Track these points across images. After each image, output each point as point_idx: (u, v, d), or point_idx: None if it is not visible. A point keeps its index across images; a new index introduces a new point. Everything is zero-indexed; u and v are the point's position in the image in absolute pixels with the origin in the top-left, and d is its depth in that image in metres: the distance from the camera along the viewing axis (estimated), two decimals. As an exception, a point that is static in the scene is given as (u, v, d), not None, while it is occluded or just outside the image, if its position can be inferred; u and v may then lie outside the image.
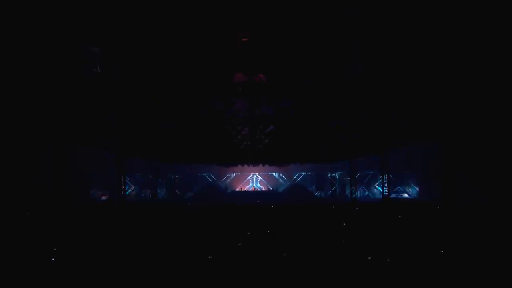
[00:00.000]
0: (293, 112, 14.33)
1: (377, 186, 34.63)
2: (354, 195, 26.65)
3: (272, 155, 24.95)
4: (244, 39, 8.65)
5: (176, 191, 36.25)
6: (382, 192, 23.18)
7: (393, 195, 29.34)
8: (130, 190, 33.99)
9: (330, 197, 35.67)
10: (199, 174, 38.06)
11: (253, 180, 39.06)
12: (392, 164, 23.93)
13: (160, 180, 34.09)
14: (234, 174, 38.65)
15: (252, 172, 38.66)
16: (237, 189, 37.23)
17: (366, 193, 35.42)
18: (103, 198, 29.42)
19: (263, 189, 38.18)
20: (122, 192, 23.43)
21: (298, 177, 38.69)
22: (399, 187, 32.86)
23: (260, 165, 31.71)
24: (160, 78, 10.73)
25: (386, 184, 22.83)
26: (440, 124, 15.29)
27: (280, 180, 39.11)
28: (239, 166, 32.15)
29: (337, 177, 36.93)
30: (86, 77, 10.14)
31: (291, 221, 12.02)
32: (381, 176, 24.36)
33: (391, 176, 24.57)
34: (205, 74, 10.55)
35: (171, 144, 20.61)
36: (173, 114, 14.56)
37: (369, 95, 11.92)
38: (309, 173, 38.25)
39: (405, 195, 32.42)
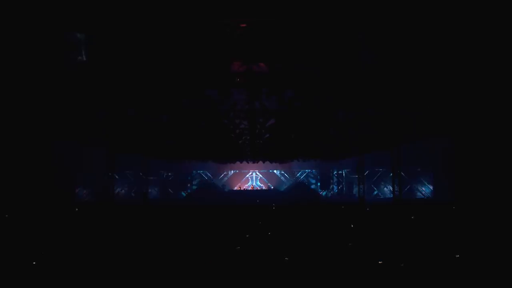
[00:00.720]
0: (297, 104, 14.27)
1: (387, 185, 34.64)
2: (362, 194, 26.66)
3: (273, 151, 24.91)
4: (243, 25, 8.57)
5: (169, 190, 36.28)
6: (393, 191, 23.13)
7: (405, 195, 29.39)
8: (119, 189, 34.00)
9: (336, 196, 35.73)
10: (194, 171, 38.09)
11: (253, 178, 39.09)
12: (404, 161, 23.89)
13: (151, 178, 34.10)
14: (232, 171, 38.67)
15: (251, 170, 38.67)
16: (235, 188, 37.27)
17: (375, 192, 35.46)
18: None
19: (264, 187, 38.22)
20: (110, 192, 23.37)
21: (301, 175, 38.73)
22: (412, 186, 32.85)
23: (260, 162, 31.68)
24: (151, 67, 10.65)
25: (397, 183, 22.79)
26: (457, 116, 15.25)
27: (282, 178, 39.13)
28: (237, 163, 32.13)
29: (343, 174, 36.98)
30: (69, 65, 10.06)
31: (294, 222, 12.01)
32: (391, 174, 24.31)
33: (402, 174, 24.57)
34: (200, 62, 10.47)
35: (163, 139, 20.56)
36: (166, 106, 14.50)
37: (380, 85, 11.85)
38: (313, 170, 38.29)
39: (418, 194, 32.44)
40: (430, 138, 21.26)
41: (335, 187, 37.19)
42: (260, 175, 39.15)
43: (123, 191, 34.91)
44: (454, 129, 18.00)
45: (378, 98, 13.27)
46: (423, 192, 32.14)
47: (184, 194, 35.94)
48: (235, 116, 16.34)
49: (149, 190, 33.00)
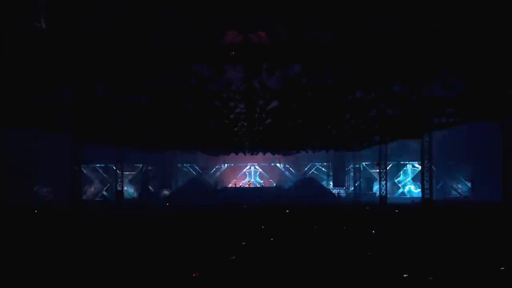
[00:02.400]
0: (305, 82, 14.16)
1: (414, 182, 34.71)
2: (384, 193, 26.67)
3: (276, 140, 24.84)
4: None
5: (149, 187, 36.34)
6: (422, 190, 23.13)
7: (437, 194, 29.31)
8: (87, 186, 34.05)
9: (352, 195, 35.82)
10: (180, 165, 38.12)
11: (251, 173, 39.16)
12: (436, 152, 23.86)
13: (127, 173, 34.14)
14: (226, 165, 38.71)
15: (249, 163, 38.71)
16: (230, 185, 37.33)
17: (400, 190, 35.56)
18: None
19: (264, 184, 38.28)
20: (77, 190, 23.32)
21: (310, 169, 38.79)
22: (445, 183, 32.93)
23: (260, 154, 31.68)
24: (125, 32, 10.51)
25: (427, 179, 22.75)
26: (504, 100, 15.13)
27: (287, 172, 39.21)
28: (233, 155, 32.11)
29: (361, 169, 37.03)
30: (25, 33, 9.93)
31: (301, 227, 12.01)
32: (420, 168, 24.32)
33: (434, 168, 24.58)
34: (186, 29, 10.34)
35: (141, 125, 20.46)
36: (144, 84, 14.38)
37: (407, 56, 11.72)
38: (325, 163, 38.35)
39: (453, 193, 32.54)
40: (469, 125, 21.13)
41: (351, 184, 37.26)
42: (260, 170, 39.19)
43: (92, 189, 34.97)
44: (502, 111, 17.82)
45: (405, 73, 13.14)
46: (459, 191, 32.29)
47: (167, 193, 36.00)
48: (230, 98, 16.21)
49: (125, 188, 33.05)
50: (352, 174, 37.34)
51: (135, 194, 36.02)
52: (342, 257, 8.10)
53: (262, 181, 38.89)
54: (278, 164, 38.92)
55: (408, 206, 21.96)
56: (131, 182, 36.30)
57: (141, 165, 36.09)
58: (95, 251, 9.04)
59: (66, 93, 15.20)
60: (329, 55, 11.86)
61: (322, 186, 36.30)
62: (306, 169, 38.75)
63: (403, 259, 7.81)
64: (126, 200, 30.89)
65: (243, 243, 9.34)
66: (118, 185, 28.74)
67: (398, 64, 12.30)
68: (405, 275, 6.58)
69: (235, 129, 21.49)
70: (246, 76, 13.72)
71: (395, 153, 30.80)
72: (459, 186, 32.49)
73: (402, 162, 34.79)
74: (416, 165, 33.59)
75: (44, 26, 9.95)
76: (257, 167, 39.24)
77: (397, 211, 15.67)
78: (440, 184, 32.96)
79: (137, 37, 10.71)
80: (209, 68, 12.79)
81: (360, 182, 37.02)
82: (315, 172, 38.73)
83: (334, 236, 10.36)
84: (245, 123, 20.40)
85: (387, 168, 28.26)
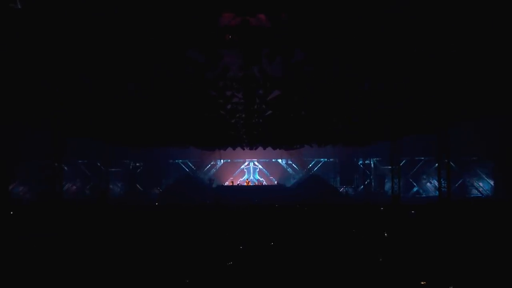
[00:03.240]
0: (309, 69, 14.15)
1: (431, 179, 34.74)
2: (397, 192, 26.71)
3: (277, 133, 24.84)
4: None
5: (137, 185, 36.35)
6: (439, 188, 23.15)
7: (456, 192, 29.34)
8: (69, 184, 34.05)
9: (362, 194, 35.88)
10: (171, 161, 38.12)
11: (250, 170, 39.21)
12: (455, 147, 23.84)
13: (114, 170, 34.12)
14: (222, 161, 38.73)
15: (247, 159, 38.74)
16: (226, 183, 37.36)
17: (415, 188, 35.60)
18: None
19: (265, 182, 38.33)
20: (57, 189, 23.34)
21: (315, 165, 38.80)
22: (465, 180, 32.95)
23: (260, 149, 31.69)
24: (112, 15, 10.47)
25: (445, 176, 22.75)
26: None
27: (289, 169, 39.25)
28: (229, 149, 32.11)
29: (372, 165, 37.07)
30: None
31: (305, 229, 12.03)
32: (437, 164, 24.29)
33: (452, 164, 24.59)
34: (178, 11, 10.31)
35: (130, 117, 20.45)
36: (132, 72, 14.36)
37: (421, 41, 11.70)
38: (332, 159, 38.37)
39: (474, 191, 32.55)
40: (493, 117, 21.12)
41: (361, 182, 37.30)
42: (260, 166, 39.23)
43: (74, 187, 34.98)
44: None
45: (420, 60, 13.13)
46: (481, 189, 32.27)
47: (157, 192, 36.03)
48: (226, 87, 16.23)
49: (110, 186, 33.06)
50: (361, 171, 37.37)
51: (122, 193, 36.01)
52: (351, 263, 8.11)
53: (262, 179, 38.90)
54: (279, 160, 38.94)
55: (424, 206, 21.93)
56: (118, 180, 36.29)
57: (128, 161, 36.06)
58: (75, 257, 9.06)
59: (46, 82, 15.15)
60: (335, 41, 11.83)
61: (329, 184, 36.33)
62: (310, 165, 38.75)
63: (418, 265, 7.82)
64: (111, 199, 30.93)
65: (240, 247, 9.35)
66: (102, 183, 28.74)
67: (411, 52, 12.28)
68: (422, 283, 6.60)
69: (232, 121, 21.47)
70: (245, 62, 13.71)
71: (409, 148, 30.77)
72: (481, 184, 32.47)
73: (417, 158, 34.79)
74: (433, 161, 33.60)
75: (19, 7, 9.89)
76: (256, 163, 39.25)
77: (413, 212, 15.66)
78: (459, 182, 32.99)
79: (123, 18, 10.67)
80: (203, 54, 12.78)
81: (370, 179, 37.06)
82: (321, 169, 38.71)
83: (341, 240, 10.37)
84: (243, 115, 20.38)
85: (400, 164, 28.29)
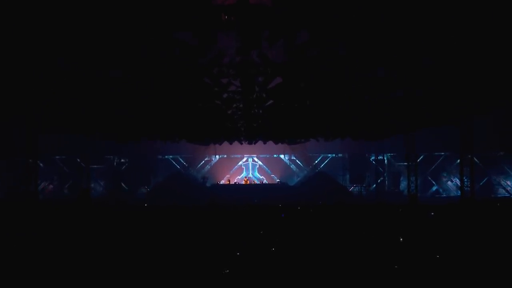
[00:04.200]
0: (314, 53, 14.13)
1: (452, 177, 34.72)
2: (414, 191, 26.73)
3: (279, 125, 24.83)
4: None
5: (122, 184, 36.34)
6: (461, 187, 23.14)
7: (481, 192, 29.27)
8: (44, 183, 34.03)
9: (375, 194, 35.86)
10: (161, 157, 38.08)
11: (248, 167, 39.23)
12: (479, 141, 23.80)
13: (95, 167, 34.12)
14: (218, 157, 38.72)
15: (246, 154, 38.72)
16: (222, 182, 37.34)
17: (434, 188, 35.62)
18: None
19: (265, 181, 38.35)
20: (31, 188, 23.34)
21: (321, 162, 38.80)
22: (490, 178, 32.92)
23: (260, 143, 31.68)
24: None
25: (468, 174, 22.73)
26: None
27: (292, 166, 39.26)
28: (226, 144, 32.10)
29: (385, 161, 37.07)
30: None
31: (310, 234, 12.03)
32: (459, 161, 24.31)
33: (476, 160, 24.56)
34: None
35: (114, 108, 20.43)
36: (116, 56, 14.33)
37: (445, 20, 11.66)
38: (340, 155, 38.35)
39: (501, 191, 32.52)
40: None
41: (373, 181, 37.30)
42: (260, 162, 39.23)
43: (51, 186, 34.98)
44: None
45: (441, 41, 13.09)
46: (508, 188, 32.23)
47: (144, 191, 36.03)
48: (222, 73, 16.21)
49: (92, 185, 33.06)
50: (373, 168, 37.37)
51: (105, 192, 36.01)
52: (362, 271, 8.12)
53: (262, 177, 38.93)
54: (281, 156, 38.94)
55: (444, 207, 21.93)
56: (100, 178, 36.30)
57: (112, 157, 36.02)
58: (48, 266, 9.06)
59: (18, 68, 15.11)
60: (345, 18, 11.80)
61: (337, 182, 36.32)
62: (316, 161, 38.76)
63: (438, 274, 7.83)
64: (93, 199, 30.86)
65: (238, 254, 9.36)
66: (83, 182, 28.75)
67: (433, 31, 12.24)
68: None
69: (229, 112, 21.46)
70: (242, 46, 13.69)
71: (427, 142, 30.73)
72: (508, 182, 32.46)
73: (436, 154, 34.80)
74: (454, 157, 33.57)
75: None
76: (256, 159, 39.27)
77: (432, 213, 15.67)
78: (484, 180, 32.98)
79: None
80: (195, 36, 12.76)
81: (384, 177, 37.07)
82: (328, 165, 38.71)
83: (350, 245, 10.37)
84: (241, 105, 20.37)
85: (418, 160, 28.28)
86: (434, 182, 35.63)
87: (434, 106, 20.31)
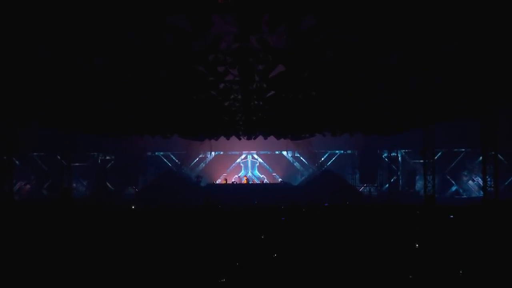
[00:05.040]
0: (321, 39, 14.13)
1: (474, 176, 34.73)
2: (431, 191, 26.73)
3: (282, 119, 24.84)
4: None
5: (108, 184, 36.35)
6: (484, 187, 23.17)
7: (506, 192, 29.22)
8: (21, 182, 34.02)
9: (387, 194, 35.88)
10: (150, 154, 38.11)
11: (247, 165, 39.28)
12: (503, 135, 23.75)
13: (77, 164, 34.11)
14: (213, 153, 38.80)
15: (244, 151, 38.74)
16: (218, 181, 37.39)
17: (454, 188, 35.64)
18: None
19: (266, 180, 38.37)
20: (6, 189, 23.35)
21: (328, 159, 38.83)
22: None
23: (260, 138, 31.68)
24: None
25: (491, 172, 22.73)
26: None
27: (296, 164, 39.32)
28: (222, 139, 32.10)
29: (399, 158, 37.07)
30: None
31: (317, 239, 12.06)
32: (481, 158, 24.30)
33: (500, 157, 24.52)
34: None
35: (98, 99, 20.43)
36: (100, 41, 14.33)
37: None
38: (349, 151, 38.37)
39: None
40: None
41: (385, 180, 37.30)
42: (260, 160, 39.28)
43: (28, 186, 34.99)
44: None
45: (465, 23, 13.07)
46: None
47: (132, 192, 36.05)
48: (218, 61, 16.20)
49: (74, 185, 33.07)
50: (386, 165, 37.35)
51: (88, 193, 36.03)
52: (374, 281, 8.15)
53: (263, 176, 38.97)
54: (284, 153, 38.99)
55: (464, 209, 21.96)
56: (83, 177, 36.30)
57: (96, 153, 36.02)
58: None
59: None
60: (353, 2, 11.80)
61: (346, 182, 36.35)
62: (323, 159, 38.81)
63: (457, 284, 7.85)
64: (75, 200, 30.88)
65: (236, 262, 9.38)
66: (64, 181, 28.76)
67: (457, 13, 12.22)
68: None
69: (226, 104, 21.46)
70: (241, 31, 13.70)
71: (446, 137, 30.71)
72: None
73: (455, 150, 34.79)
74: (476, 154, 33.54)
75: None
76: (255, 157, 39.33)
77: (451, 216, 15.69)
78: (509, 180, 33.04)
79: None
80: (189, 20, 12.75)
81: (398, 176, 37.08)
82: (336, 163, 38.73)
83: (361, 251, 10.40)
84: (239, 96, 20.37)
85: (435, 157, 28.28)
86: (453, 182, 35.68)
87: (454, 96, 20.29)
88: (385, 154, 37.16)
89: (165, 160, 38.62)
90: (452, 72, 17.04)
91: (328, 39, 14.20)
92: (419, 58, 15.78)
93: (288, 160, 39.19)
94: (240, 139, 31.79)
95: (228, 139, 31.48)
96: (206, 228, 14.39)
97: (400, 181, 36.96)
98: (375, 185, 37.18)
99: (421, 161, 29.04)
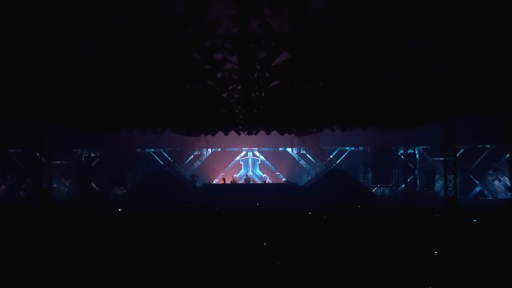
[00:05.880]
0: (329, 22, 14.10)
1: (500, 175, 34.67)
2: (453, 193, 26.69)
3: (286, 112, 24.82)
4: None
5: (92, 184, 36.36)
6: (511, 188, 23.15)
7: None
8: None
9: (404, 196, 35.81)
10: (140, 150, 38.11)
11: (247, 163, 39.29)
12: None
13: (59, 162, 34.10)
14: (210, 150, 38.80)
15: (245, 147, 38.73)
16: (216, 181, 37.36)
17: (478, 188, 35.58)
18: None
19: (268, 180, 38.35)
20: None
21: (337, 156, 38.82)
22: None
23: (262, 133, 31.64)
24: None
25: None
26: None
27: (302, 162, 39.30)
28: (220, 134, 32.07)
29: (417, 156, 37.02)
30: None
31: (322, 242, 12.07)
32: (509, 155, 24.30)
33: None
34: None
35: (82, 89, 20.42)
36: (84, 25, 14.32)
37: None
38: (361, 148, 38.34)
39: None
40: None
41: (401, 180, 37.26)
42: (262, 157, 39.28)
43: (3, 186, 35.01)
44: None
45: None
46: None
47: (120, 193, 36.03)
48: (215, 47, 16.19)
49: (54, 185, 33.05)
50: (401, 163, 37.29)
51: (70, 194, 36.03)
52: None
53: (265, 175, 38.96)
54: (288, 150, 38.97)
55: (490, 212, 21.93)
56: (65, 176, 36.30)
57: (79, 150, 36.00)
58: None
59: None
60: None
61: (357, 182, 36.28)
62: (331, 156, 38.79)
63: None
64: (56, 202, 30.90)
65: (237, 270, 9.38)
66: (43, 181, 28.73)
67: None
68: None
69: (224, 96, 21.44)
70: (240, 14, 13.69)
71: (469, 132, 30.63)
72: None
73: (480, 146, 34.74)
74: (503, 151, 33.48)
75: None
76: (257, 154, 39.33)
77: (474, 220, 15.68)
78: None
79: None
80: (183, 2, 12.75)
81: (415, 176, 37.06)
82: (346, 161, 38.72)
83: (374, 260, 10.39)
84: (239, 87, 20.36)
85: (457, 154, 28.25)
86: (477, 182, 35.63)
87: (478, 85, 20.24)
88: (401, 151, 37.11)
89: (156, 157, 38.63)
90: (475, 57, 17.01)
91: (338, 22, 14.18)
92: (439, 43, 15.77)
93: (293, 158, 39.20)
94: (239, 134, 31.75)
95: (226, 134, 31.46)
96: (202, 234, 14.38)
97: (418, 181, 36.93)
98: (390, 185, 37.12)
99: (441, 158, 29.00)
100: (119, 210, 27.28)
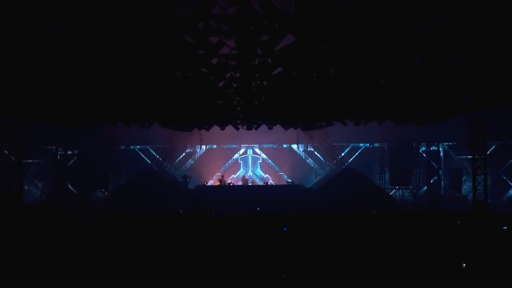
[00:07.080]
0: (342, 4, 14.12)
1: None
2: (483, 196, 26.74)
3: (291, 103, 24.86)
4: None
5: (69, 186, 36.40)
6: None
7: None
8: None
9: (426, 199, 35.88)
10: (124, 147, 38.17)
11: (247, 162, 39.38)
12: None
13: (31, 161, 34.14)
14: (204, 147, 38.92)
15: (244, 144, 38.81)
16: (211, 182, 37.46)
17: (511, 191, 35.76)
18: None
19: (271, 181, 38.44)
20: None
21: (350, 154, 38.87)
22: None
23: (264, 128, 31.70)
24: None
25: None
26: None
27: (309, 161, 39.39)
28: (215, 129, 32.13)
29: (441, 154, 37.08)
30: None
31: (332, 251, 12.11)
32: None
33: None
34: None
35: (55, 77, 20.44)
36: (61, 9, 14.34)
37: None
38: (377, 144, 38.39)
39: None
40: None
41: (424, 181, 37.31)
42: (263, 155, 39.38)
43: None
44: None
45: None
46: None
47: (101, 196, 36.08)
48: (210, 30, 16.21)
49: (26, 187, 33.08)
50: (423, 162, 37.34)
51: (44, 197, 36.07)
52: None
53: (267, 176, 39.06)
54: (294, 146, 39.04)
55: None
56: (37, 176, 36.34)
57: (54, 147, 36.02)
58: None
59: None
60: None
61: (372, 183, 36.36)
62: (343, 154, 38.86)
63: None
64: (27, 206, 30.96)
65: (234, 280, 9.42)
66: (13, 182, 28.82)
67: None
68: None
69: (220, 85, 21.48)
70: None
71: (501, 127, 30.69)
72: None
73: (512, 143, 34.91)
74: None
75: None
76: (258, 151, 39.40)
77: (505, 227, 15.72)
78: None
79: None
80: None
81: (439, 176, 37.12)
82: (360, 159, 38.78)
83: (393, 271, 10.43)
84: (237, 75, 20.38)
85: (488, 152, 28.31)
86: (510, 183, 35.72)
87: (508, 74, 20.27)
88: (423, 148, 37.17)
89: (142, 155, 38.73)
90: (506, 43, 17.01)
91: (350, 2, 14.21)
92: (466, 24, 15.77)
93: (299, 155, 39.29)
94: (238, 129, 31.80)
95: (223, 129, 31.52)
96: (195, 242, 14.42)
97: (442, 182, 37.01)
98: (410, 187, 37.15)
99: (469, 156, 29.06)
100: (100, 215, 27.39)
